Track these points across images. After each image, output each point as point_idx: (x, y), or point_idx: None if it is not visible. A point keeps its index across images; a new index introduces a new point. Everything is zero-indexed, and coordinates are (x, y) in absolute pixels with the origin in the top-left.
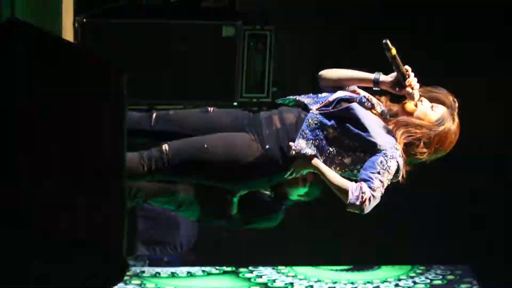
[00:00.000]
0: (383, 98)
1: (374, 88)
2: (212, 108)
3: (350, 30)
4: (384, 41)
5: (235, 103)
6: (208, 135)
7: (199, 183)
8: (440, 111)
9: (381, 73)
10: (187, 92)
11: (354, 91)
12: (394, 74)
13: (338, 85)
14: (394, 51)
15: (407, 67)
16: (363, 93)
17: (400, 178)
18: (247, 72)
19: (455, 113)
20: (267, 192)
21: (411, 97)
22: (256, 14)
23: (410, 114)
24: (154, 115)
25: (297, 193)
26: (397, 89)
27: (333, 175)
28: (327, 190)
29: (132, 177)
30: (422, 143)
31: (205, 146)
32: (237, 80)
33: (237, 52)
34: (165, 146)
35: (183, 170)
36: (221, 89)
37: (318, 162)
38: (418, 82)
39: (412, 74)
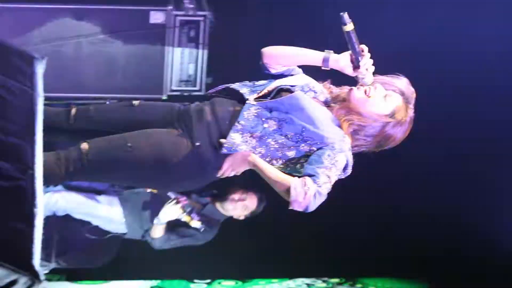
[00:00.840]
0: (326, 84)
1: (322, 68)
2: (137, 102)
3: (294, 15)
4: (341, 13)
5: (164, 97)
6: (132, 132)
7: (123, 184)
8: (394, 102)
9: (332, 51)
10: (109, 85)
11: (299, 78)
12: (347, 53)
13: (283, 63)
14: (350, 26)
15: (363, 46)
16: (306, 79)
17: (349, 173)
18: (178, 63)
19: (410, 106)
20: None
21: (364, 80)
22: None
23: (358, 102)
24: (73, 111)
25: (235, 214)
26: (350, 70)
27: (273, 171)
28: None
29: (47, 180)
30: (363, 133)
31: (129, 144)
32: (167, 71)
33: (167, 40)
34: (84, 145)
35: (104, 172)
36: (149, 82)
37: (254, 157)
38: (373, 65)
39: (368, 55)
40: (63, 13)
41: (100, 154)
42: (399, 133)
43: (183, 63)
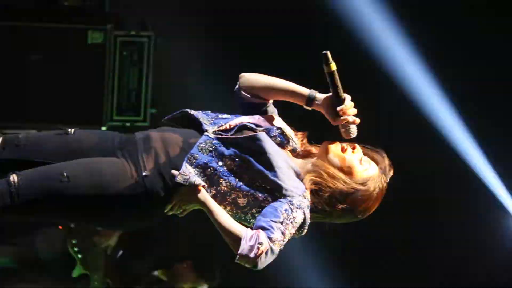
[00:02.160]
0: (299, 134)
1: (305, 107)
2: (73, 130)
3: (247, 38)
4: (324, 52)
5: (103, 128)
6: (68, 161)
7: (59, 222)
8: (370, 169)
9: (317, 92)
10: (42, 113)
11: (269, 119)
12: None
13: (261, 93)
14: (333, 66)
15: (346, 95)
16: (278, 122)
17: (303, 234)
18: (119, 89)
19: (386, 178)
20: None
21: (345, 132)
22: (131, 16)
23: (330, 156)
24: (0, 139)
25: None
26: (329, 115)
27: (224, 216)
28: None
29: None
30: (327, 196)
31: (64, 174)
32: (107, 98)
33: (107, 63)
34: (13, 177)
35: (36, 207)
36: (86, 110)
37: (206, 195)
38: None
39: (349, 102)
40: None
41: (31, 186)
42: (366, 206)
43: (124, 90)
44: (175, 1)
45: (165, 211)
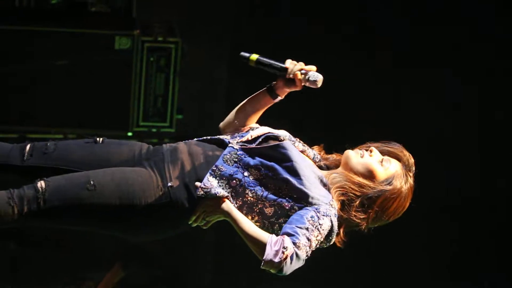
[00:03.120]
0: (316, 148)
1: (276, 101)
2: (101, 139)
3: (275, 43)
4: (241, 54)
5: (129, 134)
6: (95, 170)
7: (83, 230)
8: (392, 167)
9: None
10: (69, 119)
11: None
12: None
13: (249, 117)
14: (253, 56)
15: (285, 62)
16: (284, 134)
17: (332, 242)
18: (145, 95)
19: (410, 173)
20: None
21: (311, 83)
22: (158, 22)
23: (351, 164)
24: (28, 147)
25: None
26: (293, 82)
27: (248, 224)
28: None
29: (0, 222)
30: (357, 204)
31: (91, 182)
32: (133, 104)
33: (133, 69)
34: (41, 183)
35: (62, 214)
36: (113, 116)
37: (230, 206)
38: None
39: (290, 63)
40: (21, 36)
41: (58, 193)
42: (397, 205)
43: (151, 96)
44: (203, 8)
45: (189, 222)
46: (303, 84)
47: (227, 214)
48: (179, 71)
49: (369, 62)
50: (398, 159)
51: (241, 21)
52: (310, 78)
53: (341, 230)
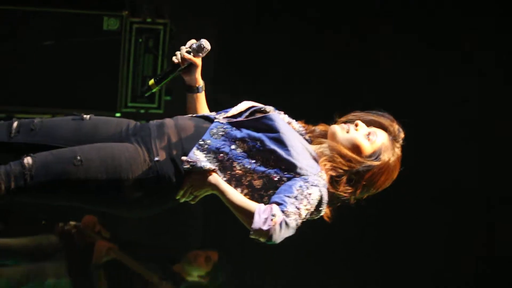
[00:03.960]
0: (300, 122)
1: (201, 90)
2: (88, 116)
3: (261, 26)
4: (144, 94)
5: (117, 114)
6: (82, 145)
7: (73, 206)
8: (379, 140)
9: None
10: (56, 99)
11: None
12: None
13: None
14: (151, 81)
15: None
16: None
17: (322, 213)
18: (133, 76)
19: (398, 144)
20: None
21: (199, 50)
22: (147, 3)
23: (338, 139)
24: (15, 124)
25: (197, 273)
26: (194, 68)
27: (236, 195)
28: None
29: None
30: (345, 179)
31: (78, 158)
32: (121, 85)
33: (122, 50)
34: (28, 159)
35: (49, 189)
36: (100, 96)
37: (218, 179)
38: None
39: (176, 55)
40: (7, 15)
41: (45, 169)
42: (386, 177)
43: (139, 77)
44: None
45: (177, 197)
46: (196, 58)
47: (215, 187)
48: (167, 53)
49: None
50: (384, 128)
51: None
52: (195, 48)
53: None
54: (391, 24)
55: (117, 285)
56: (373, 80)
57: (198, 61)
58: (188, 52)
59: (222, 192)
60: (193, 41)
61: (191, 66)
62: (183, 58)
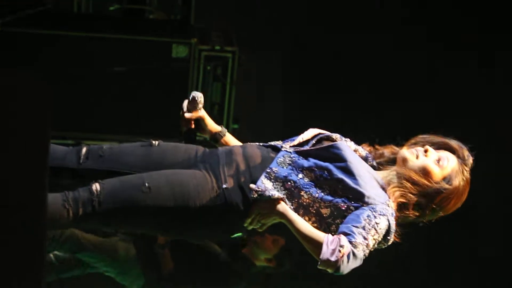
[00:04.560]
0: (365, 146)
1: (223, 134)
2: (157, 142)
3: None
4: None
5: (183, 142)
6: (150, 172)
7: (138, 232)
8: (449, 166)
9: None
10: (124, 125)
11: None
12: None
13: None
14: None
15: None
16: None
17: (390, 243)
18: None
19: (467, 168)
20: (220, 252)
21: (193, 103)
22: (216, 30)
23: (408, 165)
24: (83, 150)
25: (265, 256)
26: (202, 123)
27: (304, 224)
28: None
29: (53, 224)
30: (415, 204)
31: (146, 184)
32: None
33: (190, 77)
34: (96, 186)
35: (117, 216)
36: (167, 123)
37: (286, 207)
38: None
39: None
40: (78, 41)
41: (113, 196)
42: (455, 202)
43: (207, 104)
44: (261, 18)
45: (245, 225)
46: (197, 112)
47: (283, 215)
48: (235, 80)
49: None
50: (453, 151)
51: (298, 31)
52: (190, 104)
53: (395, 233)
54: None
55: (182, 265)
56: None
57: (201, 113)
58: (189, 111)
59: (290, 221)
60: (185, 101)
61: (199, 121)
62: (188, 120)
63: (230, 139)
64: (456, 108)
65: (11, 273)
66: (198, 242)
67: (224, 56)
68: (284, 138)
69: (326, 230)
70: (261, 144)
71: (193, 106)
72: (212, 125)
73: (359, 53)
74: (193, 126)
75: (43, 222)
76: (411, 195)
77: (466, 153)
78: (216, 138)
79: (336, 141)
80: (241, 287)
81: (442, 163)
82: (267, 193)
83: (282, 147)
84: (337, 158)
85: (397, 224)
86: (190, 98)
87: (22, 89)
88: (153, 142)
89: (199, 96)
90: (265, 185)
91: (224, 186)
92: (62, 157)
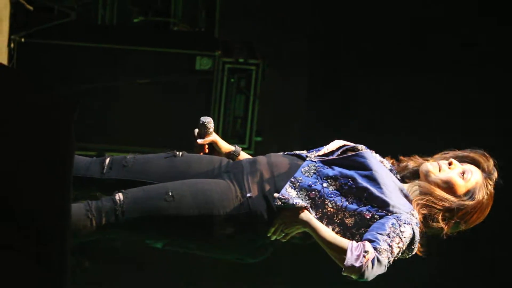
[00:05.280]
0: (389, 159)
1: (238, 153)
2: (181, 153)
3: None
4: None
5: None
6: (174, 181)
7: (162, 241)
8: (473, 179)
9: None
10: (147, 137)
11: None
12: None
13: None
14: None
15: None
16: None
17: (414, 252)
18: (225, 116)
19: (491, 182)
20: None
21: (203, 128)
22: (240, 43)
23: (431, 178)
24: (107, 160)
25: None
26: (217, 147)
27: (328, 232)
28: None
29: (78, 235)
30: (440, 217)
31: (170, 193)
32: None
33: (214, 90)
34: (119, 195)
35: (141, 226)
36: (191, 136)
37: (310, 216)
38: None
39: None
40: (102, 53)
41: (136, 205)
42: (478, 215)
43: (230, 116)
44: (284, 30)
45: (268, 234)
46: (209, 136)
47: (307, 224)
48: (259, 93)
49: None
50: (478, 164)
51: (318, 46)
52: (201, 130)
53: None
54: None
55: None
56: None
57: (212, 137)
58: (200, 137)
59: (314, 229)
60: (196, 129)
61: (213, 145)
62: (201, 146)
63: (246, 157)
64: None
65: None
66: (221, 252)
67: (248, 68)
68: (309, 149)
69: (351, 239)
70: (285, 152)
71: (204, 131)
72: (226, 147)
73: (390, 67)
74: (207, 151)
75: (67, 232)
76: (434, 208)
77: (491, 166)
78: (233, 157)
79: (361, 150)
80: (269, 252)
81: (466, 176)
82: (291, 201)
83: (307, 156)
84: (362, 167)
85: (421, 236)
86: (200, 123)
87: (45, 106)
88: (177, 152)
89: (207, 121)
90: (290, 193)
91: (248, 195)
92: (86, 168)
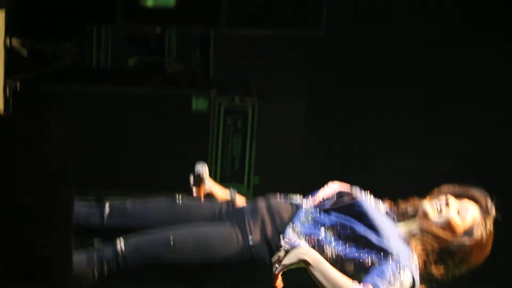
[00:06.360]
0: (385, 201)
1: (234, 199)
2: (181, 197)
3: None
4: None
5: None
6: (175, 227)
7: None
8: (469, 216)
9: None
10: (145, 180)
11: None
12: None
13: None
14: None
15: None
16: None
17: None
18: (222, 157)
19: (490, 219)
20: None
21: (198, 177)
22: (234, 81)
23: (430, 220)
24: (106, 207)
25: None
26: (215, 192)
27: (330, 268)
28: None
29: (79, 285)
30: (437, 259)
31: (171, 242)
32: (210, 166)
33: (211, 131)
34: (121, 243)
35: (142, 273)
36: (189, 177)
37: (308, 249)
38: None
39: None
40: (97, 96)
41: (138, 253)
42: (479, 255)
43: (228, 157)
44: (279, 68)
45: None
46: (204, 186)
47: (311, 256)
48: (256, 133)
49: None
50: (475, 200)
51: (315, 82)
52: (195, 181)
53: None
54: None
55: None
56: None
57: (207, 188)
58: (196, 185)
59: (318, 263)
60: (191, 177)
61: (209, 195)
62: (195, 187)
63: (242, 200)
64: None
65: None
66: None
67: (244, 107)
68: (305, 189)
69: None
70: (282, 196)
71: (199, 180)
72: (221, 195)
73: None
74: (203, 200)
75: (69, 284)
76: (432, 250)
77: (489, 203)
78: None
79: (356, 197)
80: None
81: (462, 214)
82: (296, 244)
83: (302, 206)
84: (359, 214)
85: (422, 282)
86: (195, 173)
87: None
88: (177, 197)
89: (202, 171)
90: (293, 237)
91: (251, 243)
92: (86, 217)
